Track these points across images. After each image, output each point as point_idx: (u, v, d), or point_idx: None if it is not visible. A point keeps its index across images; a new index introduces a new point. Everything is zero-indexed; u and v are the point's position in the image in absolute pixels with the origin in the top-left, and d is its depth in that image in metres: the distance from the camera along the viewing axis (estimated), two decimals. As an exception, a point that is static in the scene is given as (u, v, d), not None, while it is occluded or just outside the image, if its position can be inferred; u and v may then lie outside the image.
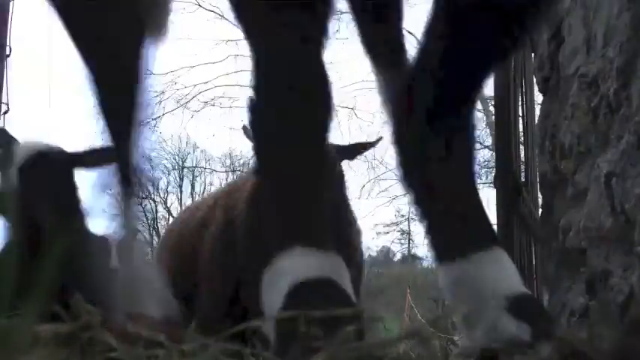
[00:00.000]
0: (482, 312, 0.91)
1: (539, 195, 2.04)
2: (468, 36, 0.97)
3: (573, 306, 1.49)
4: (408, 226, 21.16)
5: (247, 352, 0.68)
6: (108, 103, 1.42)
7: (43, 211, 1.90)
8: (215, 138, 13.52)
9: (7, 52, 5.35)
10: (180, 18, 13.63)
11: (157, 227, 26.96)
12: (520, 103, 2.40)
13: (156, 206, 27.00)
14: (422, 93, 1.04)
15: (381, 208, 15.26)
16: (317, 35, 0.96)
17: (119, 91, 1.43)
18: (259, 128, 0.97)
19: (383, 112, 1.22)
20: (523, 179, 2.35)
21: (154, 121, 12.65)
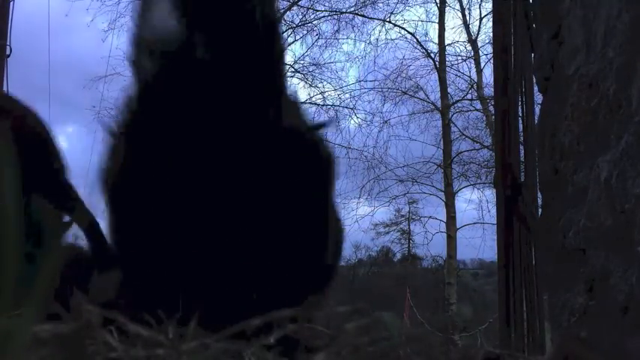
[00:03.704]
0: None
1: (539, 195, 2.04)
2: None
3: (573, 306, 1.49)
4: (408, 226, 21.13)
5: (247, 352, 0.68)
6: None
7: None
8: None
9: (7, 52, 5.35)
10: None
11: (157, 227, 26.99)
12: (520, 103, 2.40)
13: (156, 206, 27.03)
14: None
15: (380, 208, 15.23)
16: None
17: None
18: None
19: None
20: (523, 179, 2.35)
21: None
